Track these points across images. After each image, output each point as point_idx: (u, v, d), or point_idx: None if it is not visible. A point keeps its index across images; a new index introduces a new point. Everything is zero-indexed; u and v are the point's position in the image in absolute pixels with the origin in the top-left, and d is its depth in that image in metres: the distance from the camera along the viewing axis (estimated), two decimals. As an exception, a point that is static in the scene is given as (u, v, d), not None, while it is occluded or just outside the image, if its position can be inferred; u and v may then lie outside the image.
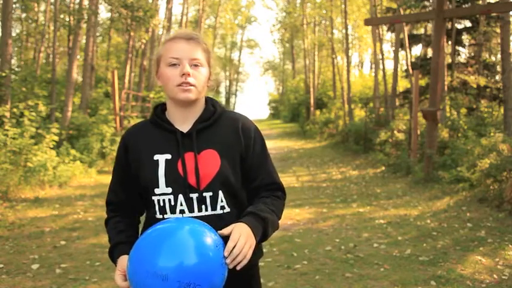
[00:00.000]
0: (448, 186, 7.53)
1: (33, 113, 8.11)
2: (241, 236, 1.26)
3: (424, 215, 6.02)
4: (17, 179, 6.77)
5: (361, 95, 22.69)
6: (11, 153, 7.13)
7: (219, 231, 1.27)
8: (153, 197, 1.40)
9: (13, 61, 13.31)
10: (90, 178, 8.80)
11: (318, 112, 24.80)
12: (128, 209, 1.51)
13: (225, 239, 1.26)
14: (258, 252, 1.49)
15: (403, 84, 19.74)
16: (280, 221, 1.50)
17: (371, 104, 16.99)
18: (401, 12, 12.72)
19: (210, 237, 1.21)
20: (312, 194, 7.80)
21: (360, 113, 19.00)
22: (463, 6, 12.56)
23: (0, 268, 3.87)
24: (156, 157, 1.41)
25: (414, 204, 6.72)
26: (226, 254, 1.22)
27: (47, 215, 5.80)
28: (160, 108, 1.50)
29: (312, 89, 25.27)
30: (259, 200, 1.44)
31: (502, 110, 10.65)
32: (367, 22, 10.62)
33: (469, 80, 12.15)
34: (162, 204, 1.39)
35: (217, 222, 1.34)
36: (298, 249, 4.52)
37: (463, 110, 11.97)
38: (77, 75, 13.21)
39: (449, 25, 12.54)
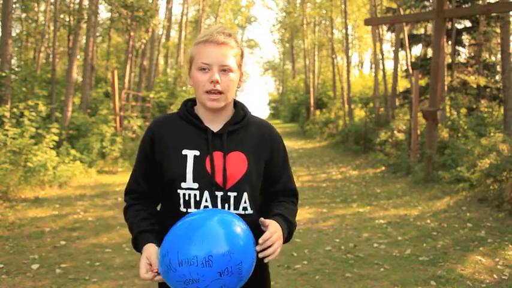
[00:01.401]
0: (448, 186, 7.53)
1: (33, 113, 8.11)
2: (276, 232, 1.34)
3: (424, 215, 6.02)
4: (17, 179, 6.77)
5: (361, 95, 22.70)
6: (11, 153, 7.13)
7: (261, 219, 1.36)
8: (179, 190, 1.43)
9: (13, 61, 13.30)
10: (90, 178, 8.80)
11: (318, 112, 24.80)
12: (149, 199, 1.52)
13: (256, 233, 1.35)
14: None
15: (403, 84, 19.73)
16: None
17: (371, 104, 16.99)
18: (401, 12, 12.72)
19: (239, 226, 1.28)
20: (312, 194, 7.80)
21: (360, 113, 19.00)
22: (463, 6, 12.56)
23: (0, 268, 3.87)
24: (184, 152, 1.44)
25: (414, 204, 6.72)
26: (261, 241, 1.29)
27: (47, 215, 5.80)
28: (191, 104, 1.53)
29: (312, 89, 25.27)
30: (280, 204, 1.51)
31: (502, 110, 10.64)
32: (367, 22, 10.62)
33: (469, 80, 12.15)
34: (187, 198, 1.42)
35: None
36: (298, 249, 4.52)
37: (463, 110, 11.97)
38: (77, 75, 13.21)
39: (449, 25, 12.53)
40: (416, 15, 10.88)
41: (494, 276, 3.74)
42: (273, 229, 1.34)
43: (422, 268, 3.97)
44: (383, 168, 10.48)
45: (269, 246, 1.31)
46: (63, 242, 4.68)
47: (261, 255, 1.30)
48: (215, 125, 1.48)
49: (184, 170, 1.42)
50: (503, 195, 6.11)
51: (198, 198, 1.41)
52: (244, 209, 1.45)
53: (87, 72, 12.38)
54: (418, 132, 9.92)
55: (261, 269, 1.44)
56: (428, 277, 3.73)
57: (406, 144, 11.01)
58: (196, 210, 1.41)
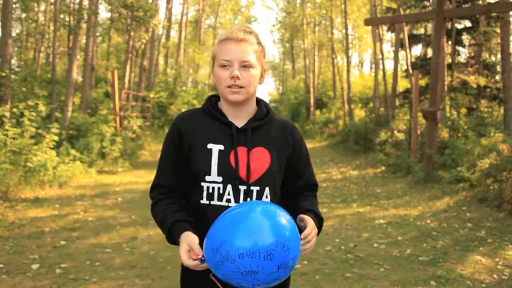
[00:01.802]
0: (448, 186, 7.53)
1: (33, 113, 8.10)
2: (315, 228, 1.41)
3: (424, 215, 6.02)
4: (17, 179, 6.77)
5: (361, 95, 22.70)
6: (11, 153, 7.12)
7: (300, 215, 1.42)
8: (203, 183, 1.46)
9: (13, 61, 13.30)
10: (90, 178, 8.80)
11: (318, 112, 24.80)
12: (177, 193, 1.54)
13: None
14: None
15: (403, 84, 19.74)
16: None
17: (371, 104, 16.99)
18: (401, 12, 12.72)
19: (290, 220, 1.31)
20: (312, 194, 7.80)
21: (360, 113, 19.01)
22: (463, 6, 12.56)
23: (0, 268, 3.87)
24: (209, 146, 1.47)
25: (414, 204, 6.72)
26: (303, 237, 1.35)
27: (47, 215, 5.80)
28: (215, 99, 1.57)
29: (312, 89, 25.28)
30: (307, 199, 1.58)
31: (502, 110, 10.65)
32: (367, 22, 10.62)
33: (469, 80, 12.15)
34: (210, 191, 1.46)
35: None
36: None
37: (463, 110, 11.97)
38: (77, 75, 13.21)
39: (449, 25, 12.54)
40: (416, 15, 10.87)
41: (494, 276, 3.74)
42: (312, 225, 1.40)
43: (422, 268, 3.97)
44: (383, 168, 10.48)
45: (309, 242, 1.37)
46: (63, 242, 4.68)
47: (301, 249, 1.34)
48: (239, 120, 1.52)
49: (209, 164, 1.46)
50: (503, 195, 6.11)
51: (221, 192, 1.46)
52: None
53: (87, 72, 12.38)
54: (418, 132, 9.92)
55: None
56: (428, 277, 3.73)
57: (406, 144, 11.01)
58: (219, 203, 1.45)
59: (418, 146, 9.80)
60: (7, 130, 7.40)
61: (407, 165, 9.38)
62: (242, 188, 1.46)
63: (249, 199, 1.46)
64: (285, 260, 1.23)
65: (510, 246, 4.52)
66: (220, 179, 1.45)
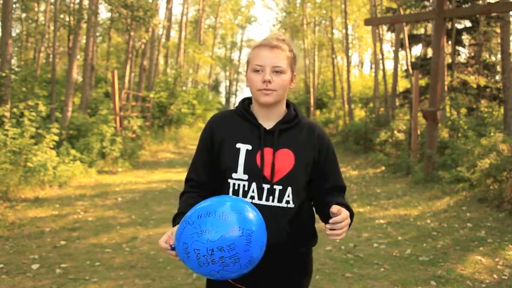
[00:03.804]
0: (448, 186, 7.53)
1: (33, 113, 8.10)
2: (346, 219, 1.44)
3: (424, 215, 6.02)
4: (17, 179, 6.77)
5: (361, 95, 22.69)
6: (11, 153, 7.12)
7: (333, 207, 1.43)
8: (230, 180, 1.56)
9: (13, 61, 13.30)
10: (90, 178, 8.80)
11: (318, 112, 24.80)
12: (206, 189, 1.63)
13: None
14: (312, 240, 1.69)
15: (403, 84, 19.74)
16: None
17: (371, 104, 16.99)
18: (401, 12, 12.72)
19: (252, 213, 1.37)
20: (312, 194, 7.79)
21: (360, 113, 19.01)
22: (463, 6, 12.56)
23: (0, 268, 3.87)
24: (238, 145, 1.56)
25: (414, 204, 6.72)
26: (331, 221, 1.41)
27: (47, 215, 5.80)
28: (248, 102, 1.66)
29: (312, 89, 25.27)
30: (337, 197, 1.62)
31: (502, 110, 10.64)
32: (367, 22, 10.62)
33: (469, 80, 12.15)
34: (236, 188, 1.55)
35: (280, 214, 1.55)
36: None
37: (463, 110, 11.96)
38: (77, 75, 13.21)
39: (449, 25, 12.54)
40: (416, 15, 10.87)
41: (494, 276, 3.74)
42: (345, 215, 1.43)
43: (422, 268, 3.96)
44: (383, 168, 10.48)
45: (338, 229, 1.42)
46: (63, 242, 4.68)
47: (328, 233, 1.43)
48: (268, 122, 1.59)
49: (236, 162, 1.54)
50: (503, 195, 6.11)
51: (246, 189, 1.54)
52: (287, 202, 1.56)
53: (87, 72, 12.37)
54: (418, 132, 9.92)
55: (305, 250, 1.64)
56: (428, 277, 3.73)
57: (406, 144, 11.01)
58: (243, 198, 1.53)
59: (418, 146, 9.80)
60: (7, 130, 7.40)
61: (407, 165, 9.38)
62: (266, 186, 1.54)
63: (271, 197, 1.53)
64: (222, 245, 1.27)
65: (510, 246, 4.52)
66: (246, 176, 1.54)
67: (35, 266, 3.92)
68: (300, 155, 1.57)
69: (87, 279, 3.67)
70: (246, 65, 1.61)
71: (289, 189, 1.55)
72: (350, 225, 1.53)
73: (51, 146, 8.18)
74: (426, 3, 13.52)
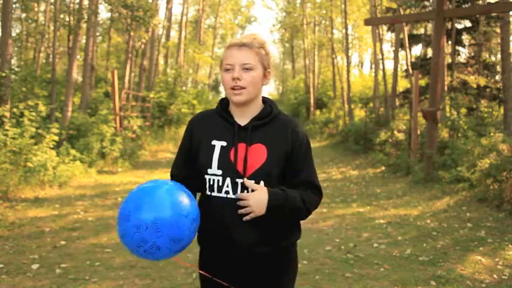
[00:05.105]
0: (448, 186, 7.53)
1: (33, 113, 8.10)
2: (254, 196, 1.53)
3: (424, 215, 6.02)
4: (17, 179, 6.77)
5: (361, 95, 22.70)
6: (11, 153, 7.12)
7: (249, 183, 1.55)
8: (206, 176, 1.63)
9: (13, 61, 13.31)
10: (90, 178, 8.80)
11: (318, 112, 24.79)
12: (187, 184, 1.65)
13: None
14: (292, 234, 1.70)
15: (403, 84, 19.73)
16: None
17: (371, 104, 16.99)
18: (401, 12, 12.72)
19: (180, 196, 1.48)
20: (312, 194, 7.78)
21: (360, 113, 19.00)
22: (463, 6, 12.56)
23: (0, 268, 3.87)
24: (213, 142, 1.63)
25: (414, 204, 6.72)
26: (237, 196, 1.55)
27: (47, 215, 5.80)
28: (226, 101, 1.72)
29: (312, 89, 25.28)
30: (298, 190, 1.65)
31: (502, 110, 10.65)
32: (367, 22, 10.61)
33: (469, 80, 12.15)
34: (211, 183, 1.61)
35: None
36: (298, 249, 4.50)
37: (463, 110, 11.97)
38: (77, 75, 13.21)
39: (449, 25, 12.54)
40: (416, 15, 10.87)
41: (494, 276, 3.74)
42: (252, 196, 1.54)
43: (422, 268, 3.96)
44: (383, 168, 10.48)
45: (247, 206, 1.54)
46: (63, 242, 4.68)
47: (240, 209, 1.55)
48: (243, 119, 1.65)
49: (211, 158, 1.61)
50: (503, 195, 6.11)
51: (220, 184, 1.60)
52: None
53: (87, 72, 12.38)
54: (418, 132, 9.92)
55: (283, 247, 1.67)
56: (428, 277, 3.73)
57: (406, 144, 11.01)
58: (219, 194, 1.60)
59: (418, 146, 9.80)
60: (7, 130, 7.40)
61: (407, 165, 9.38)
62: (239, 181, 1.58)
63: (245, 191, 1.57)
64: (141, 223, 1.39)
65: (510, 246, 4.52)
66: (220, 172, 1.59)
67: (35, 266, 3.92)
68: (273, 149, 1.61)
69: (87, 279, 3.67)
70: (219, 67, 1.67)
71: (262, 183, 1.59)
72: (280, 213, 1.57)
73: (51, 146, 8.18)
74: (426, 3, 13.52)
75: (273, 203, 1.55)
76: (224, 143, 1.62)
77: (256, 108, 1.66)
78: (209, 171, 1.61)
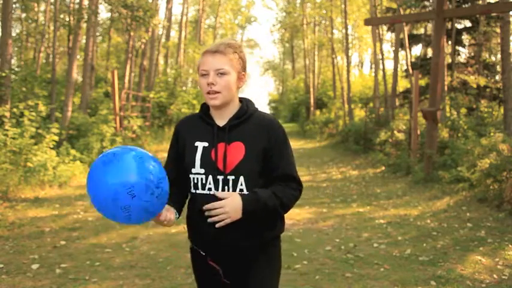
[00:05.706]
0: (448, 186, 7.53)
1: (33, 113, 8.10)
2: (230, 207, 1.63)
3: (424, 215, 6.02)
4: (17, 179, 6.77)
5: (361, 95, 22.70)
6: (11, 153, 7.12)
7: (218, 193, 1.66)
8: (190, 175, 1.74)
9: (13, 61, 13.31)
10: (90, 178, 8.79)
11: (318, 112, 24.79)
12: (176, 184, 1.78)
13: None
14: (275, 227, 1.76)
15: (403, 84, 19.74)
16: None
17: (371, 104, 16.99)
18: (401, 12, 12.72)
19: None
20: (312, 194, 7.79)
21: (360, 113, 19.00)
22: (463, 6, 12.56)
23: (0, 268, 3.87)
24: (196, 143, 1.75)
25: (414, 204, 6.72)
26: (207, 207, 1.65)
27: (47, 215, 5.80)
28: (207, 105, 1.81)
29: (312, 89, 25.28)
30: (272, 187, 1.71)
31: (502, 110, 10.65)
32: (367, 22, 10.61)
33: (469, 80, 12.15)
34: (196, 181, 1.72)
35: None
36: (298, 249, 4.52)
37: (463, 110, 11.96)
38: (77, 75, 13.21)
39: (449, 25, 12.54)
40: (416, 15, 10.88)
41: (494, 276, 3.74)
42: (224, 203, 1.63)
43: (422, 268, 3.96)
44: (383, 168, 10.48)
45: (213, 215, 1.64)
46: (63, 242, 4.68)
47: (209, 217, 1.66)
48: (222, 120, 1.75)
49: (194, 158, 1.72)
50: (503, 195, 6.11)
51: (204, 182, 1.70)
52: (241, 190, 1.69)
53: (87, 72, 12.38)
54: (418, 132, 9.92)
55: (264, 240, 1.73)
56: (428, 277, 3.73)
57: (406, 144, 11.01)
58: (203, 192, 1.71)
59: (418, 146, 9.80)
60: (7, 130, 7.40)
61: (407, 165, 9.38)
62: (220, 177, 1.69)
63: (226, 187, 1.68)
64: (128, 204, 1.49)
65: (510, 246, 4.52)
66: (202, 170, 1.70)
67: (35, 266, 3.92)
68: (251, 145, 1.70)
69: (87, 279, 3.67)
70: (197, 73, 1.77)
71: (241, 178, 1.68)
72: (253, 214, 1.64)
73: (51, 146, 8.18)
74: (426, 3, 13.52)
75: (247, 207, 1.63)
76: (206, 144, 1.72)
77: (233, 109, 1.76)
78: (193, 170, 1.72)
